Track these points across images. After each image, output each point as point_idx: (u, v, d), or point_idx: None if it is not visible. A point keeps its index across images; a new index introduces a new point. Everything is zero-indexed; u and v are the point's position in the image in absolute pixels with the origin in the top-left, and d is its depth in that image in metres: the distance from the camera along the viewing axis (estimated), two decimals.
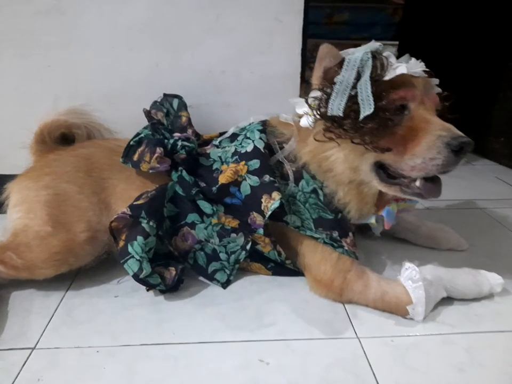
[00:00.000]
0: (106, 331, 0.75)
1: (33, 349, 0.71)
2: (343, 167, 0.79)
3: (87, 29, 1.09)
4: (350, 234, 0.84)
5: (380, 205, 0.85)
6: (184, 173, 0.89)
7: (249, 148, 0.87)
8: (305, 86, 1.13)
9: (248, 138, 0.89)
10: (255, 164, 0.85)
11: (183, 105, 1.04)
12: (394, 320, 0.78)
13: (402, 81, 0.74)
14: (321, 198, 0.84)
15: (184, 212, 0.89)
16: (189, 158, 0.91)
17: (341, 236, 0.82)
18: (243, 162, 0.86)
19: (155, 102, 1.03)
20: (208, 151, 0.95)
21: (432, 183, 0.76)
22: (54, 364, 0.68)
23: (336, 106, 0.71)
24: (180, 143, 0.91)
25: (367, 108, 0.68)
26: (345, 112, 0.71)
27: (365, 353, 0.71)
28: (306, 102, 0.80)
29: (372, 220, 0.86)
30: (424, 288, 0.76)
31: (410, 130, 0.74)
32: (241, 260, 0.88)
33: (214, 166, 0.91)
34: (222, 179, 0.86)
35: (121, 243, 0.81)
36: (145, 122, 0.97)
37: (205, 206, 0.88)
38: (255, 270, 0.92)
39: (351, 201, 0.83)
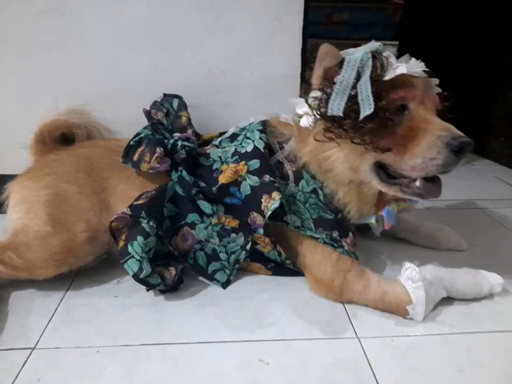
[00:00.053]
0: (106, 331, 0.75)
1: (33, 349, 0.71)
2: (343, 167, 0.79)
3: (87, 29, 1.09)
4: (350, 234, 0.84)
5: (379, 205, 0.85)
6: (184, 173, 0.89)
7: (249, 148, 0.87)
8: (305, 86, 1.13)
9: (248, 138, 0.89)
10: (255, 164, 0.85)
11: (183, 105, 1.04)
12: (394, 320, 0.78)
13: (402, 81, 0.74)
14: (321, 198, 0.84)
15: (184, 211, 0.89)
16: (189, 158, 0.91)
17: (341, 236, 0.82)
18: (243, 162, 0.86)
19: (155, 102, 1.03)
20: (208, 151, 0.95)
21: (432, 183, 0.76)
22: (54, 364, 0.68)
23: (336, 106, 0.71)
24: (179, 143, 0.91)
25: (367, 108, 0.68)
26: (345, 112, 0.71)
27: (365, 353, 0.71)
28: (306, 102, 0.80)
29: (372, 220, 0.86)
30: (424, 288, 0.76)
31: (410, 130, 0.74)
32: (241, 260, 0.88)
33: (214, 166, 0.91)
34: (222, 179, 0.86)
35: (121, 243, 0.81)
36: (145, 122, 0.97)
37: (205, 206, 0.88)
38: (255, 270, 0.92)
39: (351, 201, 0.83)
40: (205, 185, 0.89)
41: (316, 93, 0.78)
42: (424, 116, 0.74)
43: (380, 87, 0.72)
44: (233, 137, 0.94)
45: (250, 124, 0.94)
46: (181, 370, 0.67)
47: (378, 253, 1.01)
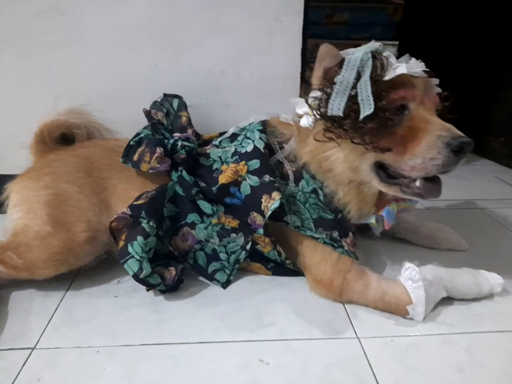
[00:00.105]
0: (106, 331, 0.75)
1: (33, 349, 0.71)
2: (343, 167, 0.79)
3: (87, 29, 1.09)
4: (350, 234, 0.84)
5: (379, 205, 0.85)
6: (184, 173, 0.89)
7: (249, 148, 0.87)
8: (305, 86, 1.13)
9: (248, 138, 0.89)
10: (255, 164, 0.85)
11: (183, 105, 1.04)
12: (394, 320, 0.78)
13: (402, 81, 0.74)
14: (321, 198, 0.84)
15: (184, 211, 0.89)
16: (189, 158, 0.91)
17: (341, 236, 0.82)
18: (243, 162, 0.86)
19: (155, 102, 1.03)
20: (208, 151, 0.95)
21: (432, 183, 0.76)
22: (54, 364, 0.68)
23: (336, 106, 0.71)
24: (179, 143, 0.91)
25: (367, 108, 0.68)
26: (345, 112, 0.71)
27: (365, 353, 0.71)
28: (306, 102, 0.80)
29: (372, 220, 0.86)
30: (424, 288, 0.76)
31: (410, 130, 0.74)
32: (241, 260, 0.88)
33: (214, 166, 0.91)
34: (222, 179, 0.86)
35: (121, 243, 0.81)
36: (145, 122, 0.97)
37: (205, 206, 0.88)
38: (255, 270, 0.92)
39: (351, 201, 0.83)
40: (205, 185, 0.89)
41: (316, 93, 0.78)
42: (424, 116, 0.74)
43: (380, 87, 0.72)
44: (233, 137, 0.94)
45: (250, 124, 0.94)
46: (181, 370, 0.67)
47: (378, 253, 1.01)
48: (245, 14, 1.10)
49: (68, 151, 0.95)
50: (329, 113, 0.72)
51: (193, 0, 1.08)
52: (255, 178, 0.84)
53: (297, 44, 1.12)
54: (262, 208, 0.82)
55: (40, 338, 0.74)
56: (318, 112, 0.76)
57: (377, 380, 0.65)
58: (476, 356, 0.70)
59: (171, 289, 0.84)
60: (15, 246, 0.82)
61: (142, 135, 0.92)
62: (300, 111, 0.84)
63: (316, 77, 0.80)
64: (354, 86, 0.71)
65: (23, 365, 0.68)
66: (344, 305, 0.82)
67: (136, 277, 0.79)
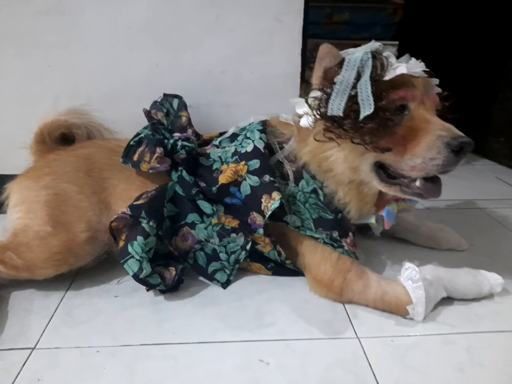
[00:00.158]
0: (106, 331, 0.75)
1: (33, 349, 0.71)
2: (343, 167, 0.79)
3: (87, 29, 1.09)
4: (350, 234, 0.84)
5: (379, 205, 0.85)
6: (184, 173, 0.89)
7: (249, 148, 0.87)
8: (305, 86, 1.13)
9: (248, 138, 0.89)
10: (255, 164, 0.85)
11: (183, 105, 1.04)
12: (394, 320, 0.78)
13: (402, 81, 0.74)
14: (321, 198, 0.84)
15: (184, 211, 0.89)
16: (189, 158, 0.91)
17: (341, 236, 0.82)
18: (243, 162, 0.86)
19: (155, 102, 1.03)
20: (208, 151, 0.95)
21: (432, 183, 0.76)
22: (54, 364, 0.68)
23: (336, 106, 0.71)
24: (179, 143, 0.90)
25: (367, 108, 0.68)
26: (345, 112, 0.71)
27: (365, 353, 0.71)
28: (306, 102, 0.80)
29: (372, 220, 0.86)
30: (424, 288, 0.76)
31: (410, 130, 0.74)
32: (241, 260, 0.88)
33: (214, 166, 0.91)
34: (222, 179, 0.86)
35: (121, 243, 0.81)
36: (145, 122, 0.97)
37: (205, 206, 0.88)
38: (255, 270, 0.92)
39: (351, 201, 0.83)
40: (205, 185, 0.89)
41: (316, 93, 0.78)
42: (424, 116, 0.74)
43: (380, 87, 0.71)
44: (233, 137, 0.94)
45: (250, 124, 0.94)
46: (181, 370, 0.67)
47: (378, 253, 1.01)
48: (245, 14, 1.10)
49: (67, 151, 0.95)
50: (329, 113, 0.72)
51: (193, 0, 1.08)
52: (255, 178, 0.84)
53: (297, 43, 1.12)
54: (262, 208, 0.82)
55: (40, 338, 0.74)
56: (318, 112, 0.76)
57: (377, 380, 0.65)
58: (476, 356, 0.70)
59: (171, 289, 0.84)
60: (15, 246, 0.82)
61: (142, 135, 0.92)
62: (300, 111, 0.84)
63: (316, 77, 0.80)
64: (354, 86, 0.71)
65: (23, 365, 0.68)
66: (344, 305, 0.82)
67: (136, 277, 0.79)
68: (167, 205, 0.87)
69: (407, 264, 0.81)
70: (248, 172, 0.85)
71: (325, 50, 0.78)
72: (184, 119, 1.02)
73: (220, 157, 0.92)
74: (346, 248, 0.81)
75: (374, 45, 0.75)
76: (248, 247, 0.87)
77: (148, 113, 0.99)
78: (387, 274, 0.91)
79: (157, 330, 0.76)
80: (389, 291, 0.79)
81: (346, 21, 1.92)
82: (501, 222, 1.18)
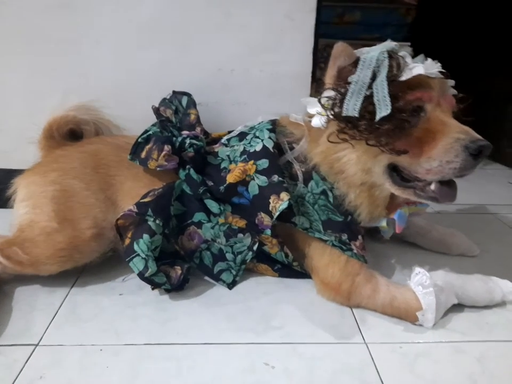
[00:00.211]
0: (110, 329, 0.75)
1: (36, 345, 0.71)
2: (356, 168, 0.78)
3: (97, 25, 1.08)
4: (360, 237, 0.82)
5: (390, 208, 0.83)
6: (191, 171, 0.88)
7: (258, 147, 0.86)
8: (315, 86, 1.12)
9: (257, 137, 0.88)
10: (264, 163, 0.84)
11: (192, 103, 1.03)
12: (403, 326, 0.77)
13: (419, 82, 0.72)
14: (331, 199, 0.82)
15: (191, 210, 0.88)
16: (197, 156, 0.90)
17: (350, 239, 0.81)
18: (251, 162, 0.85)
19: (164, 99, 1.02)
20: (216, 150, 0.94)
21: (448, 187, 0.74)
22: (57, 361, 0.68)
23: (352, 107, 0.69)
24: (188, 141, 0.90)
25: (383, 109, 0.67)
26: (360, 113, 0.69)
27: (372, 359, 0.69)
28: (319, 101, 0.78)
29: (383, 223, 0.84)
30: (434, 294, 0.74)
31: (426, 132, 0.72)
32: (248, 261, 0.87)
33: (222, 165, 0.90)
34: (230, 178, 0.85)
35: (127, 241, 0.80)
36: (153, 119, 0.96)
37: (212, 205, 0.86)
38: (262, 271, 0.91)
39: (362, 203, 0.81)
40: (212, 184, 0.88)
41: (329, 93, 0.76)
42: (440, 118, 0.72)
43: (396, 88, 0.70)
44: (242, 136, 0.93)
45: (259, 123, 0.93)
46: (185, 372, 0.66)
47: (388, 257, 0.99)
48: (256, 11, 1.08)
49: (75, 147, 0.94)
50: (344, 114, 0.71)
51: None
52: (264, 178, 0.83)
53: (309, 42, 1.11)
54: (270, 208, 0.81)
55: (43, 335, 0.73)
56: (332, 113, 0.74)
57: None
58: (487, 366, 0.68)
59: (176, 288, 0.83)
60: (21, 241, 0.82)
61: (150, 132, 0.91)
62: (311, 110, 0.82)
63: (330, 76, 0.78)
64: (369, 86, 0.70)
65: (26, 362, 0.67)
66: (351, 310, 0.81)
67: (141, 275, 0.78)
68: (174, 203, 0.86)
69: (417, 269, 0.79)
70: (257, 171, 0.83)
71: (340, 48, 0.76)
72: (193, 117, 1.01)
73: (228, 156, 0.91)
74: (355, 251, 0.80)
75: (390, 44, 0.74)
76: (255, 247, 0.86)
77: (156, 110, 0.98)
78: (396, 278, 0.89)
79: (161, 330, 0.75)
80: (398, 296, 0.78)
81: (358, 21, 1.90)
82: None
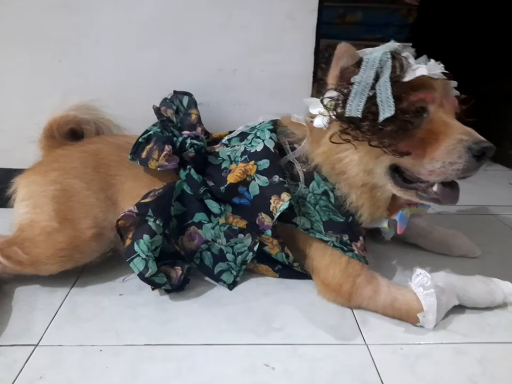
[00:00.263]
0: (110, 330, 0.75)
1: (36, 345, 0.71)
2: (357, 169, 0.77)
3: (98, 25, 1.08)
4: (361, 238, 0.82)
5: (392, 209, 0.83)
6: (192, 171, 0.87)
7: (259, 148, 0.86)
8: (317, 86, 1.11)
9: (258, 137, 0.88)
10: (265, 163, 0.83)
11: (193, 103, 1.03)
12: (404, 327, 0.77)
13: (422, 83, 0.72)
14: (332, 200, 0.82)
15: (192, 211, 0.88)
16: (197, 157, 0.89)
17: (351, 240, 0.80)
18: (252, 162, 0.84)
19: (165, 99, 1.02)
20: (217, 150, 0.94)
21: (450, 188, 0.74)
22: (56, 362, 0.67)
23: (355, 108, 0.69)
24: (188, 141, 0.89)
25: (387, 110, 0.67)
26: (363, 114, 0.69)
27: (373, 360, 0.69)
28: (322, 102, 0.77)
29: (384, 224, 0.84)
30: (435, 296, 0.74)
31: (429, 134, 0.72)
32: (248, 261, 0.87)
33: (223, 165, 0.90)
34: (231, 178, 0.84)
35: (128, 241, 0.80)
36: (154, 119, 0.96)
37: (213, 206, 0.86)
38: (262, 271, 0.91)
39: (363, 204, 0.81)
40: (213, 184, 0.87)
41: (332, 93, 0.76)
42: (443, 119, 0.72)
43: (399, 89, 0.70)
44: (243, 136, 0.93)
45: (260, 123, 0.93)
46: (185, 373, 0.66)
47: (389, 258, 0.99)
48: (258, 11, 1.08)
49: (76, 147, 0.94)
50: (347, 114, 0.70)
51: None
52: (264, 178, 0.82)
53: (310, 43, 1.10)
54: (271, 209, 0.80)
55: (43, 335, 0.73)
56: (335, 113, 0.74)
57: None
58: (488, 367, 0.68)
59: (177, 289, 0.83)
60: (21, 241, 0.82)
61: (151, 132, 0.91)
62: (314, 111, 0.82)
63: (332, 76, 0.77)
64: (372, 87, 0.69)
65: (26, 362, 0.67)
66: (352, 311, 0.81)
67: (141, 276, 0.77)
68: (174, 203, 0.86)
69: (419, 270, 0.79)
70: (257, 171, 0.83)
71: (343, 49, 0.76)
72: (193, 116, 1.00)
73: (229, 156, 0.90)
74: (356, 252, 0.80)
75: (393, 45, 0.73)
76: (255, 248, 0.85)
77: (157, 110, 0.98)
78: (397, 280, 0.89)
79: (161, 330, 0.75)
80: (399, 297, 0.77)
81: (359, 21, 1.90)
82: None
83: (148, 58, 1.11)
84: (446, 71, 0.75)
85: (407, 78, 0.71)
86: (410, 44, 1.81)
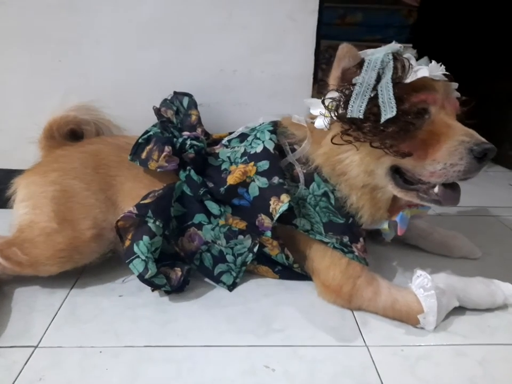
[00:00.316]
0: (110, 331, 0.74)
1: (35, 347, 0.70)
2: (358, 170, 0.77)
3: (98, 25, 1.08)
4: (361, 239, 0.82)
5: (392, 210, 0.82)
6: (192, 172, 0.87)
7: (259, 149, 0.85)
8: (317, 87, 1.11)
9: (258, 138, 0.88)
10: (264, 165, 0.83)
11: (193, 104, 1.03)
12: (405, 329, 0.76)
13: (423, 84, 0.72)
14: (332, 201, 0.82)
15: (192, 212, 0.88)
16: (197, 158, 0.89)
17: (351, 241, 0.80)
18: (252, 163, 0.84)
19: (165, 99, 1.02)
20: (217, 151, 0.94)
21: (451, 189, 0.74)
22: (56, 363, 0.67)
23: (357, 109, 0.69)
24: (188, 142, 0.89)
25: (388, 111, 0.66)
26: (364, 115, 0.69)
27: (373, 362, 0.69)
28: (323, 103, 0.77)
29: (385, 226, 0.84)
30: (436, 297, 0.74)
31: (431, 135, 0.72)
32: (248, 263, 0.87)
33: (223, 166, 0.90)
34: (230, 180, 0.84)
35: (127, 242, 0.80)
36: (154, 119, 0.96)
37: (213, 207, 0.86)
38: (262, 273, 0.91)
39: (364, 206, 0.80)
40: (213, 185, 0.87)
41: (333, 94, 0.76)
42: (445, 121, 0.72)
43: (401, 90, 0.70)
44: (243, 137, 0.93)
45: (260, 124, 0.93)
46: (184, 374, 0.66)
47: (389, 259, 0.98)
48: (258, 12, 1.08)
49: (75, 147, 0.94)
50: (349, 115, 0.70)
51: None
52: (264, 179, 0.82)
53: (310, 43, 1.10)
54: (270, 210, 0.80)
55: (43, 336, 0.73)
56: (336, 114, 0.74)
57: None
58: (489, 369, 0.68)
59: (176, 290, 0.83)
60: (20, 241, 0.82)
61: (151, 133, 0.91)
62: (315, 112, 0.81)
63: (334, 77, 0.77)
64: (374, 88, 0.69)
65: (25, 363, 0.67)
66: (352, 312, 0.81)
67: (141, 277, 0.77)
68: (174, 204, 0.86)
69: (419, 272, 0.79)
70: (257, 173, 0.83)
71: (345, 50, 0.76)
72: (193, 117, 1.00)
73: (228, 157, 0.90)
74: (356, 253, 0.79)
75: (394, 46, 0.73)
76: (255, 249, 0.85)
77: (157, 111, 0.98)
78: (398, 281, 0.89)
79: (161, 332, 0.74)
80: (400, 299, 0.77)
81: (360, 22, 1.89)
82: None
83: (148, 59, 1.11)
84: (447, 73, 0.74)
85: (409, 79, 0.71)
86: (411, 45, 1.81)
